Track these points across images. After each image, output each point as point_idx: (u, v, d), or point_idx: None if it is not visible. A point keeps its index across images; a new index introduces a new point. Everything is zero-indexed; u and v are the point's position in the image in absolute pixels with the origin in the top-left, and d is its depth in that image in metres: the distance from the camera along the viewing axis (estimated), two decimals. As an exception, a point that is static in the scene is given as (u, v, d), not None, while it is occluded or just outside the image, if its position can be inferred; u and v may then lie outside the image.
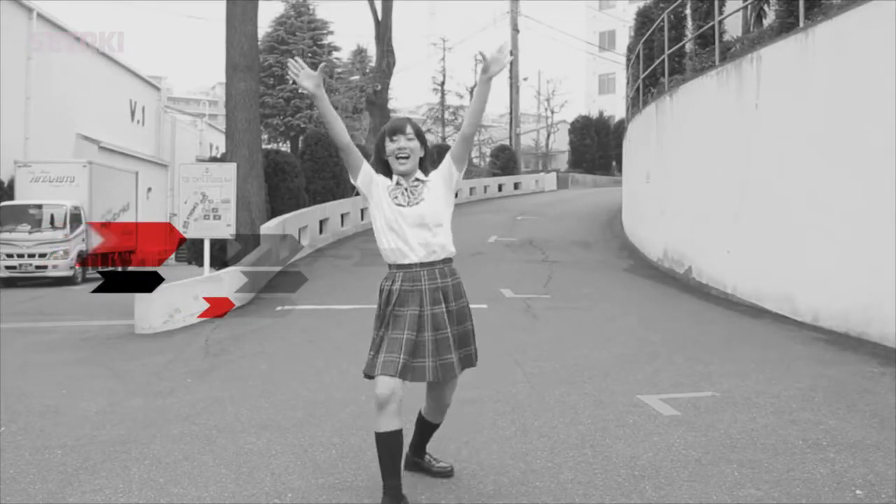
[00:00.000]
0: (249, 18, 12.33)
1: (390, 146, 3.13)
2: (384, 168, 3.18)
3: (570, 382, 5.24)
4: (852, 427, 4.10)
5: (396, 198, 3.10)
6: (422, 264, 3.07)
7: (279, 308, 9.25)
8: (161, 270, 11.49)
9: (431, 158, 3.27)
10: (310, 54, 32.95)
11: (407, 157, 3.11)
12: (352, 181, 3.23)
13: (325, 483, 3.38)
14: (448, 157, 3.19)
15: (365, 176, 3.16)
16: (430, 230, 3.08)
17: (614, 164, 38.95)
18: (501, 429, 4.16)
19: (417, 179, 3.14)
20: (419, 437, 3.44)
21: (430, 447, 3.50)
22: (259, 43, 17.00)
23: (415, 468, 3.45)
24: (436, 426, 3.39)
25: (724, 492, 3.20)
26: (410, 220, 3.06)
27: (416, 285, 3.05)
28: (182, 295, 8.64)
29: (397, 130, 3.13)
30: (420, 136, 3.17)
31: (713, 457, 3.65)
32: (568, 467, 3.53)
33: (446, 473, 3.40)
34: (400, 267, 3.09)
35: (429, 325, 3.02)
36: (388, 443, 2.97)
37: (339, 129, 3.14)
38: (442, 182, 3.16)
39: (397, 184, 3.14)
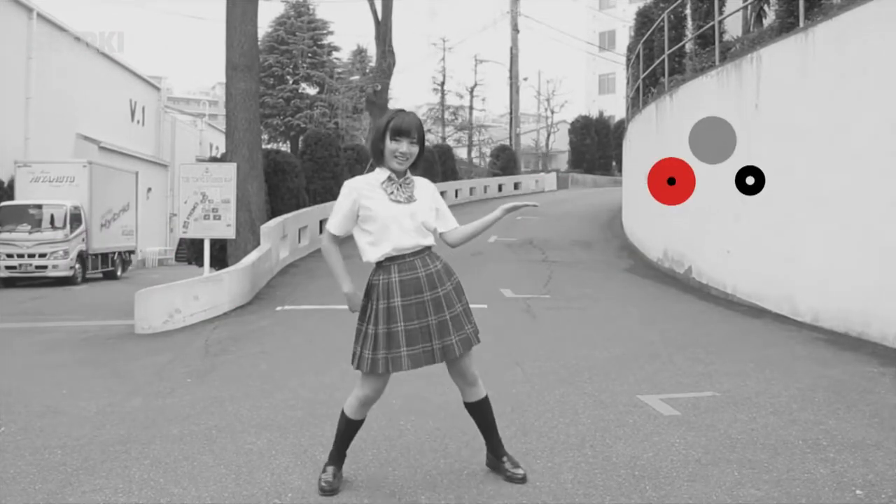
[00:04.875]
0: (249, 18, 12.33)
1: (391, 145, 3.13)
2: (377, 153, 3.19)
3: (570, 382, 5.24)
4: (852, 427, 4.10)
5: (392, 193, 3.14)
6: (414, 252, 3.16)
7: (279, 308, 9.25)
8: (161, 271, 11.49)
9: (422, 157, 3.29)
10: (310, 54, 32.98)
11: (406, 160, 3.15)
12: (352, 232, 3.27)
13: (325, 483, 3.37)
14: (441, 202, 3.29)
15: (352, 215, 3.18)
16: (422, 227, 3.17)
17: (614, 164, 38.98)
18: (501, 429, 4.13)
19: (408, 177, 3.20)
20: (483, 429, 3.37)
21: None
22: (259, 43, 17.00)
23: (493, 466, 3.39)
24: (483, 402, 3.31)
25: (724, 492, 3.20)
26: (408, 215, 3.13)
27: (412, 273, 3.13)
28: (182, 295, 8.64)
29: (403, 133, 3.12)
30: (421, 139, 3.18)
31: (713, 457, 3.65)
32: (568, 467, 3.53)
33: (517, 479, 3.28)
34: (393, 259, 3.14)
35: (431, 309, 3.11)
36: (354, 428, 3.28)
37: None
38: (430, 201, 3.23)
39: (389, 179, 3.16)
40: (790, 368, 5.58)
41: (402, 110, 3.22)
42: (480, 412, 3.34)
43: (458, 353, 3.12)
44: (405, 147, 3.12)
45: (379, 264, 3.18)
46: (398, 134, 3.12)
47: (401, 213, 3.12)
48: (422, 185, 3.26)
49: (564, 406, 4.62)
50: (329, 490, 3.19)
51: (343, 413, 3.27)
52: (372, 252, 3.17)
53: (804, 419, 4.26)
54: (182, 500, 3.22)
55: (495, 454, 3.38)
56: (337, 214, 3.20)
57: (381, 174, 3.19)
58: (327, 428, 4.21)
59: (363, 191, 3.16)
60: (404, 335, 3.08)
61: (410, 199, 3.15)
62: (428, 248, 3.21)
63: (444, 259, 3.29)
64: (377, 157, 3.21)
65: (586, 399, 4.79)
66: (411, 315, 3.09)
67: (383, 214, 3.11)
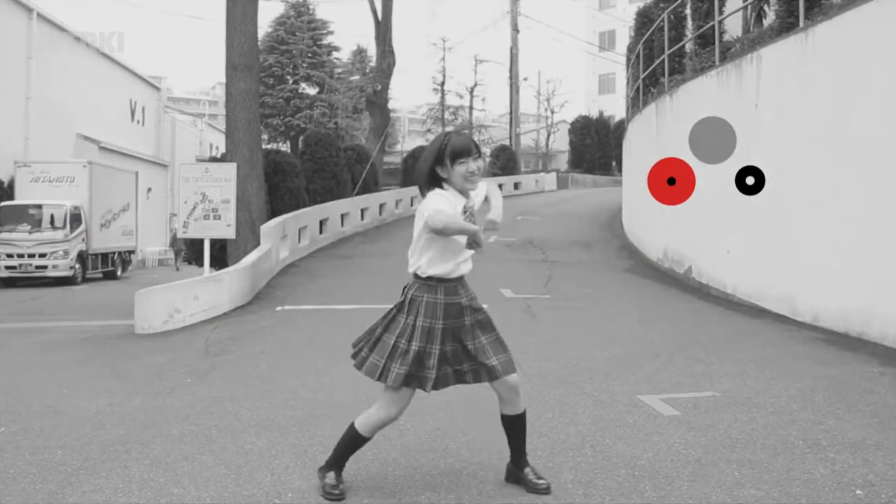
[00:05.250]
0: (249, 18, 12.34)
1: (459, 168, 3.05)
2: (433, 180, 3.11)
3: (570, 382, 5.24)
4: (852, 427, 4.10)
5: (465, 213, 3.12)
6: (459, 278, 3.19)
7: (279, 308, 9.25)
8: (161, 271, 11.50)
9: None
10: (310, 54, 32.98)
11: (476, 177, 3.11)
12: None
13: (325, 483, 3.37)
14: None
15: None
16: (468, 256, 3.20)
17: (614, 164, 38.97)
18: (501, 429, 4.15)
19: (473, 205, 3.19)
20: (515, 442, 3.30)
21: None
22: (259, 43, 17.01)
23: (513, 479, 3.30)
24: (521, 416, 3.26)
25: (724, 492, 3.20)
26: (463, 249, 3.13)
27: (455, 298, 3.15)
28: (182, 295, 8.64)
29: (465, 154, 3.06)
30: (479, 150, 3.16)
31: (713, 457, 3.65)
32: (568, 467, 3.53)
33: (542, 490, 3.20)
34: (442, 280, 3.14)
35: (469, 334, 3.15)
36: (361, 444, 3.25)
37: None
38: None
39: (465, 209, 3.12)
40: (790, 368, 5.58)
41: (451, 132, 3.20)
42: (518, 425, 3.27)
43: (501, 375, 3.14)
44: (472, 165, 3.07)
45: (424, 282, 3.13)
46: (460, 155, 3.05)
47: (462, 239, 3.09)
48: (479, 198, 3.25)
49: (564, 406, 4.62)
50: (340, 495, 3.15)
51: (354, 427, 3.19)
52: (426, 267, 3.12)
53: (804, 419, 4.26)
54: (182, 500, 3.22)
55: (518, 466, 3.29)
56: (445, 210, 2.99)
57: (456, 199, 3.09)
58: (327, 428, 4.21)
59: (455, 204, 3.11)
60: (437, 357, 3.08)
61: (473, 220, 3.16)
62: (462, 276, 3.23)
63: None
64: (430, 183, 3.10)
65: (586, 399, 4.79)
66: (448, 338, 3.11)
67: (458, 240, 3.09)
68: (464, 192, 3.13)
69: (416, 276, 3.15)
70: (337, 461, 3.26)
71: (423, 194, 3.13)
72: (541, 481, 3.21)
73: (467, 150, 3.07)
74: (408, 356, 3.04)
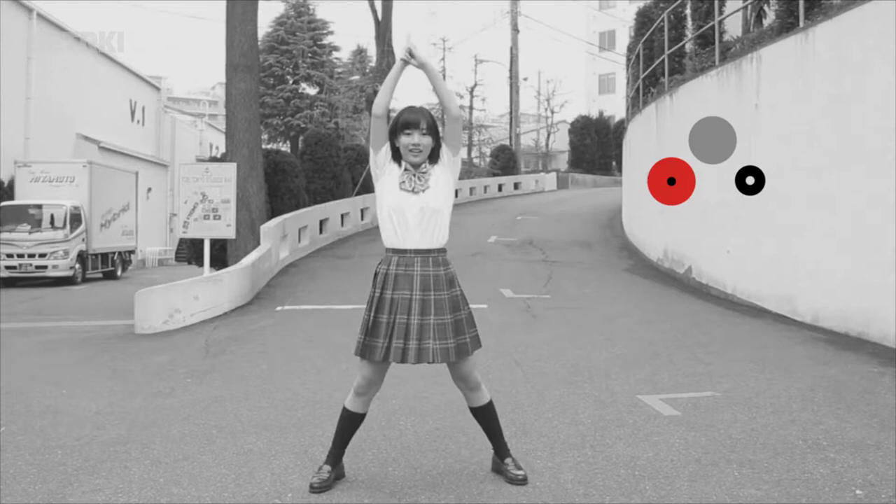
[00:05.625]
0: (249, 18, 12.34)
1: (404, 139, 3.16)
2: (394, 151, 3.22)
3: (570, 382, 5.24)
4: (852, 427, 4.10)
5: (403, 183, 3.15)
6: (416, 251, 3.15)
7: (279, 308, 9.25)
8: (161, 270, 11.50)
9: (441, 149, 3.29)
10: (310, 54, 32.97)
11: (420, 152, 3.16)
12: (371, 154, 3.27)
13: (325, 483, 3.37)
14: (443, 144, 3.26)
15: (386, 154, 3.23)
16: (431, 218, 3.15)
17: (614, 164, 38.99)
18: (502, 429, 4.16)
19: (425, 169, 3.20)
20: (487, 433, 3.38)
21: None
22: (259, 43, 17.00)
23: (497, 469, 3.39)
24: (485, 407, 3.32)
25: (724, 492, 3.20)
26: (415, 206, 3.13)
27: (409, 270, 3.14)
28: (182, 295, 8.64)
29: (411, 125, 3.15)
30: (433, 129, 3.19)
31: (713, 457, 3.65)
32: (568, 467, 3.53)
33: (517, 481, 3.27)
34: (396, 251, 3.16)
35: (416, 309, 3.10)
36: (352, 420, 3.29)
37: (389, 98, 3.25)
38: (445, 169, 3.24)
39: (405, 170, 3.19)
40: (790, 368, 5.58)
41: (409, 106, 3.24)
42: (484, 417, 3.35)
43: (433, 360, 3.09)
44: (416, 138, 3.13)
45: (385, 252, 3.23)
46: (406, 126, 3.15)
47: (406, 203, 3.12)
48: (438, 166, 3.23)
49: (564, 406, 4.62)
50: (318, 487, 3.20)
51: (343, 405, 3.31)
52: (383, 237, 3.22)
53: (804, 419, 4.26)
54: (182, 500, 3.22)
55: (499, 456, 3.38)
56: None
57: (399, 167, 3.21)
58: (327, 428, 4.21)
59: (392, 164, 3.21)
60: (385, 327, 3.11)
61: (422, 189, 3.14)
62: (436, 250, 3.18)
63: (454, 269, 3.26)
64: (396, 159, 3.22)
65: (586, 399, 4.79)
66: (395, 309, 3.11)
67: (388, 201, 3.15)
68: (413, 165, 3.17)
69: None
70: (333, 450, 3.32)
71: None
72: (518, 472, 3.30)
73: (413, 122, 3.15)
74: (366, 326, 3.16)
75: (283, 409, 4.68)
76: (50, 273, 17.28)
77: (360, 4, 44.72)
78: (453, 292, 3.19)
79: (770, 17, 10.92)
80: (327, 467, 3.28)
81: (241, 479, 3.44)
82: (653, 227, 13.30)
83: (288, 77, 33.16)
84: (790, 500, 3.12)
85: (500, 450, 3.38)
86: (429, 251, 3.16)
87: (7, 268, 16.97)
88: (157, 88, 33.70)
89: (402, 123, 3.17)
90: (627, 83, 19.03)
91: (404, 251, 3.15)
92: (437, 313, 3.11)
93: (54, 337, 8.22)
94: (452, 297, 3.18)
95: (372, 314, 3.15)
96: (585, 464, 3.58)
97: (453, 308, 3.17)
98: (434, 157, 3.23)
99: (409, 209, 3.12)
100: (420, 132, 3.14)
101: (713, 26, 10.92)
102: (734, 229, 9.30)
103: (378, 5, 23.79)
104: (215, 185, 10.63)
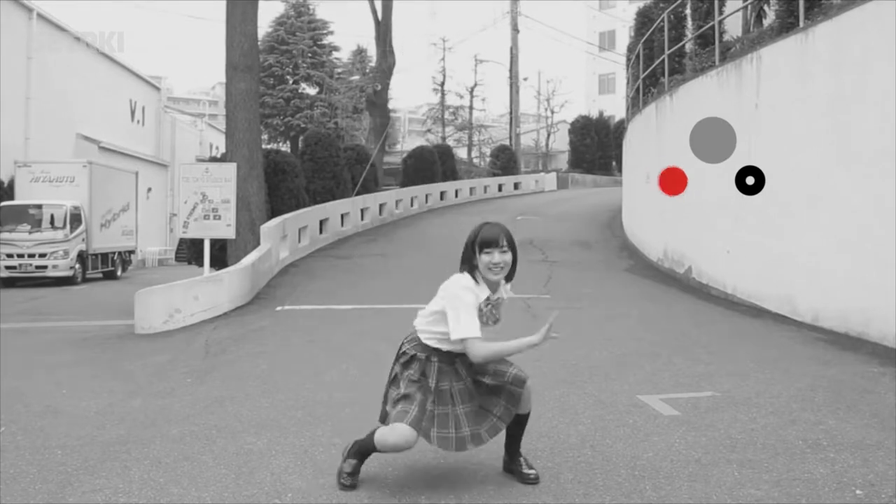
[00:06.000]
0: (249, 18, 12.34)
1: (484, 258, 3.13)
2: (469, 263, 3.19)
3: (570, 382, 5.24)
4: (852, 427, 4.10)
5: (484, 319, 3.16)
6: (457, 354, 3.22)
7: (279, 308, 9.25)
8: (161, 271, 11.50)
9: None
10: (310, 54, 32.97)
11: (501, 270, 3.15)
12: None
13: (325, 483, 3.37)
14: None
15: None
16: None
17: (614, 164, 39.00)
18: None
19: (500, 298, 3.24)
20: (514, 436, 3.40)
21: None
22: (259, 43, 17.01)
23: (508, 469, 3.41)
24: (526, 416, 3.36)
25: (724, 492, 3.20)
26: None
27: (447, 366, 3.22)
28: (182, 295, 8.64)
29: (492, 244, 3.13)
30: (511, 244, 3.18)
31: (713, 457, 3.65)
32: (568, 467, 3.53)
33: (530, 480, 3.30)
34: (440, 352, 3.22)
35: (473, 394, 3.23)
36: (373, 451, 3.26)
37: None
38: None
39: (487, 300, 3.19)
40: (790, 368, 5.58)
41: (488, 222, 3.25)
42: (521, 423, 3.37)
43: (487, 440, 3.22)
44: (497, 257, 3.12)
45: (423, 343, 3.23)
46: (487, 245, 3.13)
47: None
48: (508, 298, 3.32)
49: (564, 406, 4.62)
50: (349, 486, 3.24)
51: (374, 437, 3.20)
52: (426, 338, 3.22)
53: (804, 419, 4.26)
54: (182, 500, 3.22)
55: (510, 454, 3.40)
56: (470, 313, 3.11)
57: (481, 291, 3.17)
58: (327, 428, 4.22)
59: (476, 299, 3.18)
60: (464, 418, 3.20)
61: (492, 322, 3.21)
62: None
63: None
64: (466, 264, 3.20)
65: (586, 399, 4.79)
66: (465, 398, 3.21)
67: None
68: (491, 284, 3.18)
69: (418, 336, 3.25)
70: (357, 451, 3.30)
71: (460, 270, 3.23)
72: (530, 471, 3.33)
73: (493, 240, 3.14)
74: (424, 412, 3.15)
75: (283, 409, 4.68)
76: (50, 273, 17.29)
77: (360, 4, 44.77)
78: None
79: (770, 17, 10.92)
80: (354, 461, 3.29)
81: (241, 479, 3.44)
82: (653, 227, 13.30)
83: (288, 77, 33.17)
84: (790, 500, 3.12)
85: (517, 450, 3.41)
86: (461, 354, 3.20)
87: (7, 268, 16.98)
88: (157, 88, 33.72)
89: (482, 241, 3.14)
90: (627, 83, 19.03)
91: (445, 353, 3.20)
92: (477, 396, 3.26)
93: (54, 337, 8.22)
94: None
95: (433, 405, 3.18)
96: (585, 464, 3.58)
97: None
98: (510, 276, 3.25)
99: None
100: (500, 250, 3.13)
101: (713, 26, 10.92)
102: (734, 229, 9.30)
103: (378, 5, 23.80)
104: (215, 185, 10.63)
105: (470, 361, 3.17)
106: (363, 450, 3.27)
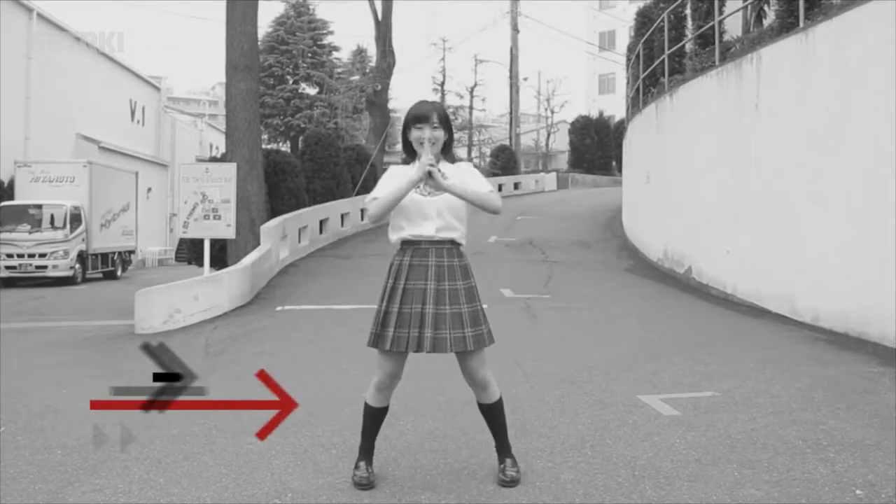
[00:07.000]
0: (249, 18, 12.34)
1: (415, 133, 3.14)
2: (410, 150, 3.20)
3: (570, 382, 5.24)
4: (852, 427, 4.10)
5: (419, 188, 3.12)
6: (430, 241, 3.15)
7: (279, 308, 9.25)
8: (161, 271, 11.50)
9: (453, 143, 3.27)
10: (310, 54, 32.97)
11: (431, 146, 3.12)
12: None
13: (325, 483, 3.37)
14: (471, 169, 3.31)
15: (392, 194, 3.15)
16: (446, 221, 3.15)
17: (614, 164, 38.95)
18: (507, 428, 4.15)
19: (440, 171, 3.13)
20: (492, 430, 3.36)
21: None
22: (259, 43, 17.01)
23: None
24: (494, 406, 3.29)
25: (724, 492, 3.20)
26: (429, 210, 3.12)
27: (423, 260, 3.14)
28: (182, 295, 8.65)
29: (422, 119, 3.13)
30: (445, 122, 3.17)
31: (713, 457, 3.65)
32: (568, 467, 3.53)
33: (505, 482, 3.25)
34: (410, 243, 3.16)
35: (431, 298, 3.10)
36: (376, 415, 3.32)
37: (387, 213, 3.17)
38: (465, 176, 3.17)
39: (421, 180, 3.12)
40: (790, 368, 5.58)
41: (421, 100, 3.23)
42: (490, 415, 3.33)
43: (450, 350, 3.09)
44: (428, 132, 3.11)
45: (400, 247, 3.22)
46: (417, 121, 3.13)
47: (419, 205, 3.12)
48: (456, 172, 3.18)
49: (564, 406, 4.62)
50: (365, 484, 3.24)
51: (365, 402, 3.31)
52: (393, 234, 3.22)
53: (804, 419, 4.26)
54: (182, 500, 3.22)
55: (500, 454, 3.36)
56: (379, 186, 3.17)
57: (411, 168, 3.17)
58: (327, 428, 4.21)
59: (398, 174, 3.18)
60: (397, 316, 3.10)
61: (437, 193, 3.11)
62: (450, 241, 3.18)
63: (468, 261, 3.27)
64: (409, 153, 3.21)
65: (586, 399, 4.79)
66: (408, 299, 3.11)
67: (407, 205, 3.13)
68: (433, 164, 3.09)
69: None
70: (364, 444, 3.33)
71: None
72: (508, 472, 3.26)
73: (424, 116, 3.13)
74: (378, 317, 3.15)
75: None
76: (50, 273, 17.28)
77: (360, 4, 44.71)
78: (468, 283, 3.19)
79: (770, 17, 10.91)
80: (363, 463, 3.30)
81: (241, 479, 3.44)
82: (653, 227, 13.30)
83: (288, 77, 33.17)
84: (790, 500, 3.12)
85: (502, 448, 3.36)
86: (442, 241, 3.16)
87: (7, 268, 16.97)
88: (157, 88, 33.70)
89: (412, 118, 3.14)
90: (627, 83, 19.03)
91: (419, 242, 3.14)
92: (452, 303, 3.11)
93: (54, 337, 8.22)
94: (468, 288, 3.18)
95: (383, 305, 3.15)
96: (585, 464, 3.57)
97: (469, 298, 3.16)
98: (447, 152, 3.21)
99: (423, 212, 3.12)
100: (431, 126, 3.12)
101: (713, 26, 10.92)
102: (734, 229, 9.30)
103: (378, 5, 23.77)
104: (215, 185, 10.63)
105: (422, 265, 3.12)
106: (365, 433, 3.31)
